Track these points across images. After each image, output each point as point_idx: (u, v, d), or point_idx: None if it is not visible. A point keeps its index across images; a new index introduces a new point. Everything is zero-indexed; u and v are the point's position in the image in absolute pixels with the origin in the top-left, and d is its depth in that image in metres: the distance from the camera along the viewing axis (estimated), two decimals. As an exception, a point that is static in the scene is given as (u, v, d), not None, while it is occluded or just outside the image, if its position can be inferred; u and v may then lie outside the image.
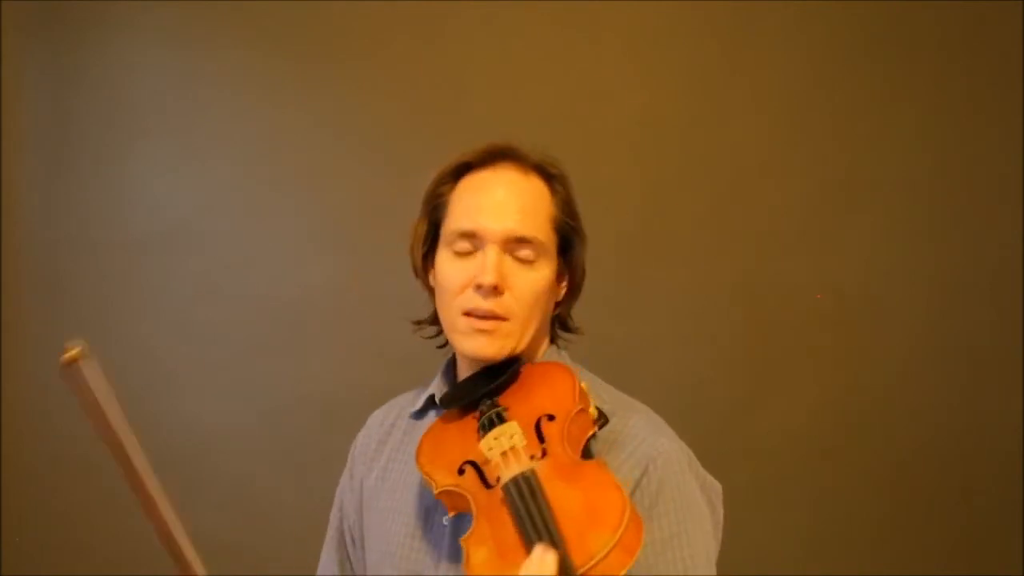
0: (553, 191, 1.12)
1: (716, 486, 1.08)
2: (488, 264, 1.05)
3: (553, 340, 1.18)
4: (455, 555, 1.03)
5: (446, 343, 1.16)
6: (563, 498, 0.89)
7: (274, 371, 2.19)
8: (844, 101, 2.13)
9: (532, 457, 0.94)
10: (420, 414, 1.19)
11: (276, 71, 2.22)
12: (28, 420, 2.24)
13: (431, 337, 1.18)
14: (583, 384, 1.02)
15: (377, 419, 1.25)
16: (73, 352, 0.84)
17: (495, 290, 1.05)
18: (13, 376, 2.25)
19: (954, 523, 2.08)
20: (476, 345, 1.07)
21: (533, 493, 0.89)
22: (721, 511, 1.08)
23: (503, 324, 1.06)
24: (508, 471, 0.93)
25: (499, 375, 1.06)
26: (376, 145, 2.16)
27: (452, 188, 1.13)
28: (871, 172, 2.12)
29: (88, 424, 0.88)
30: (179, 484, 2.26)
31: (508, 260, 1.07)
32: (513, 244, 1.07)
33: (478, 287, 1.06)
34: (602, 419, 1.02)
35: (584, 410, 0.99)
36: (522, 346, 1.08)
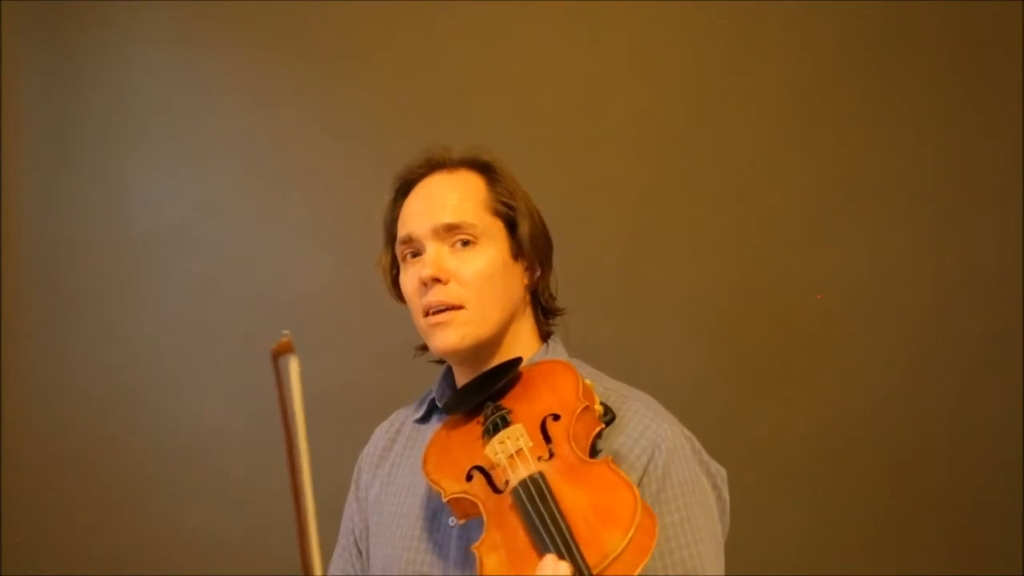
0: (489, 179, 1.14)
1: (721, 471, 1.09)
2: (426, 259, 1.09)
3: (545, 339, 1.18)
4: (462, 558, 1.03)
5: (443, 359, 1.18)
6: (572, 499, 0.88)
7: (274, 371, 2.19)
8: (844, 101, 2.13)
9: (540, 459, 0.94)
10: (424, 420, 1.20)
11: (276, 71, 2.23)
12: (28, 420, 2.24)
13: (433, 361, 1.20)
14: (587, 381, 1.02)
15: (381, 430, 1.27)
16: (284, 342, 0.95)
17: (437, 281, 1.08)
18: (13, 376, 2.25)
19: (954, 523, 2.08)
20: (439, 340, 1.09)
21: (542, 496, 0.88)
22: (727, 494, 1.08)
23: (459, 313, 1.08)
24: (516, 475, 0.92)
25: (499, 378, 1.06)
26: (376, 145, 2.16)
27: (400, 209, 1.17)
28: (871, 172, 2.12)
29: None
30: (179, 484, 2.27)
31: (447, 251, 1.09)
32: (445, 234, 1.09)
33: (423, 284, 1.09)
34: (609, 415, 1.02)
35: (589, 407, 0.99)
36: (488, 331, 1.09)
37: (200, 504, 2.17)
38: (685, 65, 2.17)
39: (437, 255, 1.09)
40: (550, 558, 0.83)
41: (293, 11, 2.20)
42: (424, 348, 1.19)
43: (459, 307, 1.08)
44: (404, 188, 1.17)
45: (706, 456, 1.08)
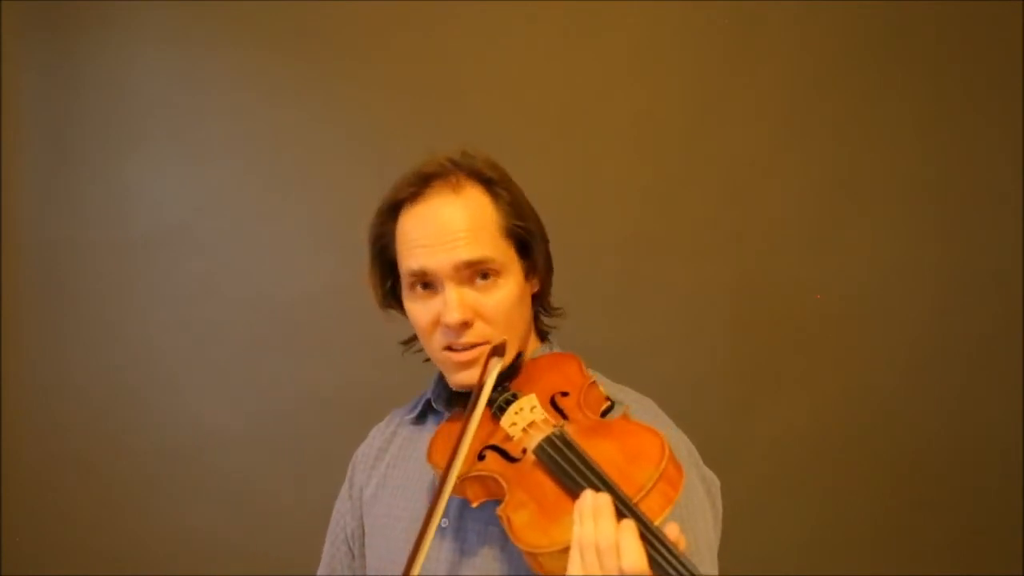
0: (495, 196, 1.07)
1: (715, 480, 1.09)
2: (450, 303, 1.02)
3: (543, 338, 1.18)
4: (457, 558, 1.03)
5: None
6: (598, 449, 0.89)
7: (274, 371, 2.19)
8: (844, 101, 2.13)
9: (555, 426, 0.95)
10: (419, 419, 1.19)
11: (276, 71, 2.22)
12: (28, 420, 2.24)
13: (419, 351, 1.18)
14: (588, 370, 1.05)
15: (378, 430, 1.26)
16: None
17: (464, 325, 1.03)
18: (13, 376, 2.25)
19: (954, 523, 2.08)
20: (465, 377, 1.05)
21: (568, 445, 0.89)
22: (720, 505, 1.08)
23: (486, 348, 1.04)
24: (534, 441, 0.92)
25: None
26: (376, 145, 2.16)
27: (393, 226, 1.09)
28: (871, 172, 2.12)
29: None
30: (179, 484, 2.27)
31: (468, 289, 1.03)
32: (467, 271, 1.03)
33: (447, 327, 1.03)
34: (609, 400, 1.04)
35: (595, 384, 1.02)
36: (510, 358, 1.07)
37: (200, 504, 2.17)
38: (685, 65, 2.17)
39: (461, 298, 1.02)
40: (588, 492, 0.83)
41: (293, 11, 2.20)
42: (409, 341, 1.18)
43: (486, 343, 1.04)
44: (399, 206, 1.09)
45: (702, 465, 1.08)
